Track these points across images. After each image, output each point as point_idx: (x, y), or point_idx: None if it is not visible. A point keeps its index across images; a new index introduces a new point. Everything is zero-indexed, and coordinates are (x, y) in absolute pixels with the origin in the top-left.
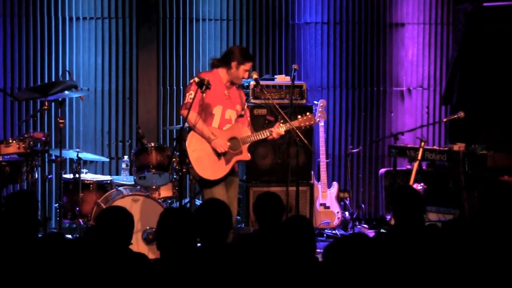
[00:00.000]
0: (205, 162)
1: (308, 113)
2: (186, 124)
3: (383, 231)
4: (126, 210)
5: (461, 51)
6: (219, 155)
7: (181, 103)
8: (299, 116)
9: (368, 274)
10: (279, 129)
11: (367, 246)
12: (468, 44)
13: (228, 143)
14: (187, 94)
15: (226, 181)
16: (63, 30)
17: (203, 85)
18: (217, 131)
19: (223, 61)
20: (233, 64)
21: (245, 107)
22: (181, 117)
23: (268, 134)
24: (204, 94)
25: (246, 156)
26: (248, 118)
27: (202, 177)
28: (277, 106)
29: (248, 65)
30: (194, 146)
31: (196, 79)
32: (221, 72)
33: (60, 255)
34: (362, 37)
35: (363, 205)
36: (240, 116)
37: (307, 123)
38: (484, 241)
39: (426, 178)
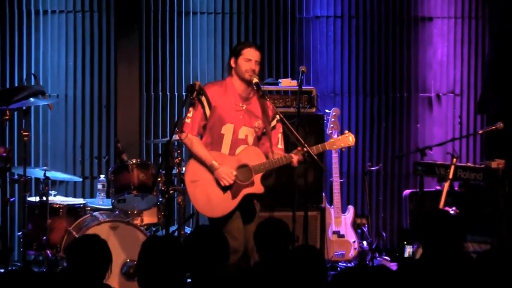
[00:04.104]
0: (206, 195)
1: (346, 132)
2: (174, 137)
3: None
4: (102, 240)
5: (499, 49)
6: (224, 187)
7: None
8: (329, 133)
9: None
10: (299, 155)
11: (388, 281)
12: (507, 41)
13: (235, 173)
14: (187, 113)
15: (243, 214)
16: (28, 26)
17: (193, 90)
18: (223, 158)
19: (228, 65)
20: (232, 61)
21: (275, 121)
22: (167, 130)
23: (288, 161)
24: (207, 111)
25: (258, 188)
26: (279, 136)
27: (202, 214)
28: (281, 116)
29: (245, 53)
30: (194, 176)
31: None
32: (234, 79)
33: None
34: (382, 33)
35: (384, 233)
36: (263, 134)
37: (342, 145)
38: None
39: (458, 201)
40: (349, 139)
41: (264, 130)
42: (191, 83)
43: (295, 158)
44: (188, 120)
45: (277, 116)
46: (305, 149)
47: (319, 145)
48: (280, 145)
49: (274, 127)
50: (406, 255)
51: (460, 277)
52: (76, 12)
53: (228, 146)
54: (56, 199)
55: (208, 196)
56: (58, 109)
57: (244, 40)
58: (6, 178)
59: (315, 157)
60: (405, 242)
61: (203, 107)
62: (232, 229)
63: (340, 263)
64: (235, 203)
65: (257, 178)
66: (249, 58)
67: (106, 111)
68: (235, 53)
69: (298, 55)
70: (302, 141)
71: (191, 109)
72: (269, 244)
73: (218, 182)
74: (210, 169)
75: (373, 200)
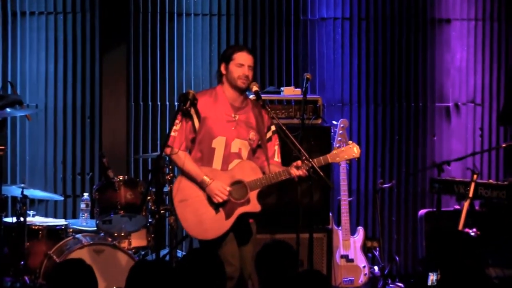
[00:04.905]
0: (197, 216)
1: (350, 142)
2: None
3: None
4: (87, 265)
5: None
6: (217, 206)
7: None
8: (336, 147)
9: None
10: (301, 170)
11: None
12: None
13: (229, 188)
14: (172, 125)
15: (238, 236)
16: (4, 29)
17: (187, 100)
18: (214, 174)
19: (218, 72)
20: (222, 67)
21: (271, 132)
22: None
23: (287, 176)
24: (196, 123)
25: (255, 206)
26: (275, 148)
27: (193, 237)
28: (283, 127)
29: (237, 57)
30: (183, 195)
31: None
32: (224, 87)
33: None
34: (395, 37)
35: (397, 257)
36: (259, 147)
37: (346, 157)
38: None
39: (479, 222)
40: (354, 150)
41: (259, 142)
42: (184, 91)
43: (295, 172)
44: (175, 134)
45: (272, 127)
46: (306, 162)
47: (321, 157)
48: (277, 158)
49: (269, 139)
50: (430, 283)
51: None
52: (57, 13)
53: (220, 161)
54: (35, 219)
55: (199, 217)
56: (37, 120)
57: (242, 44)
58: None
59: (321, 172)
60: (422, 271)
61: (191, 118)
62: (226, 253)
63: None
64: (229, 224)
65: (253, 195)
66: (241, 63)
67: (90, 123)
68: (226, 58)
69: (302, 61)
70: (305, 153)
71: (177, 121)
72: (271, 268)
73: (210, 201)
74: (201, 185)
75: (385, 220)
